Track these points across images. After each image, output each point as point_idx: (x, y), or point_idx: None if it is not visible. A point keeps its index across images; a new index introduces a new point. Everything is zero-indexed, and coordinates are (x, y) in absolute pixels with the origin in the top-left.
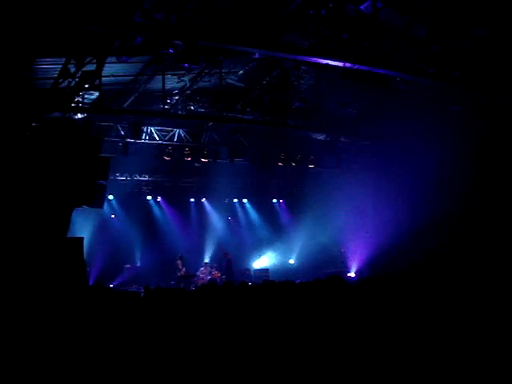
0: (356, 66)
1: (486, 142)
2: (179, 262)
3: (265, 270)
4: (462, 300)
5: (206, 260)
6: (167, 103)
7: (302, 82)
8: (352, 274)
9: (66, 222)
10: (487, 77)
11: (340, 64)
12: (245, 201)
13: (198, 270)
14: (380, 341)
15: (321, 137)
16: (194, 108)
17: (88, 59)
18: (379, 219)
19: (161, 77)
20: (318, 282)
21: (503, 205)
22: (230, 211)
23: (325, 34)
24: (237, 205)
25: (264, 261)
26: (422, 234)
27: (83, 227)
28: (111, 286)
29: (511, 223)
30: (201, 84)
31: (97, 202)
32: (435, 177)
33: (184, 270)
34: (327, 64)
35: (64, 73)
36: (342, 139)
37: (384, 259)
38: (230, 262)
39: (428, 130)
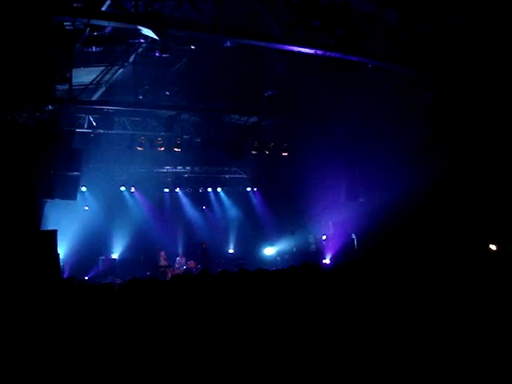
0: (327, 54)
1: (459, 130)
2: (162, 253)
3: (240, 259)
4: (435, 283)
5: (182, 250)
6: (139, 93)
7: (274, 70)
8: (327, 261)
9: (39, 215)
10: (459, 62)
11: (311, 51)
12: (219, 190)
13: (174, 260)
14: (355, 325)
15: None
16: (167, 97)
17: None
18: (353, 206)
19: (131, 67)
20: (292, 269)
21: (477, 189)
22: (204, 201)
23: (296, 21)
24: (211, 194)
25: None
26: (397, 219)
27: (56, 220)
28: (86, 278)
29: (484, 206)
30: (172, 73)
31: (70, 193)
32: (408, 162)
33: (166, 261)
34: (299, 51)
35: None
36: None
37: (359, 245)
38: (206, 251)
39: (400, 117)
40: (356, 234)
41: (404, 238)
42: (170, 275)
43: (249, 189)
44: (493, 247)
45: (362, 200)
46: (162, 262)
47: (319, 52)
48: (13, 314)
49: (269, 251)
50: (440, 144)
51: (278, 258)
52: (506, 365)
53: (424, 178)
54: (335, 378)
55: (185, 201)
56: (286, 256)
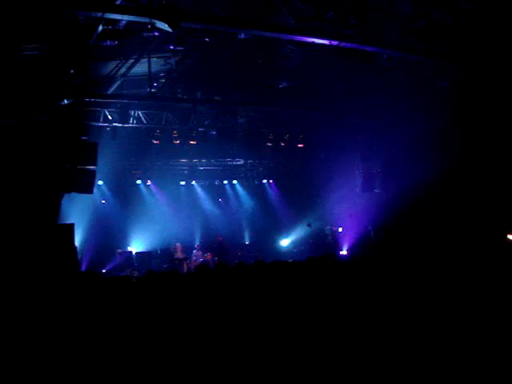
0: (342, 44)
1: (473, 117)
2: (178, 245)
3: (256, 251)
4: (451, 275)
5: (198, 242)
6: (154, 87)
7: (288, 61)
8: (344, 252)
9: (56, 209)
10: (474, 52)
11: (326, 42)
12: (235, 182)
13: (191, 252)
14: (373, 316)
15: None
16: (181, 90)
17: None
18: (370, 196)
19: (146, 60)
20: (310, 260)
21: (495, 178)
22: (220, 193)
23: (310, 12)
24: (227, 186)
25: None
26: (413, 209)
27: (74, 213)
28: (103, 271)
29: (503, 195)
30: (187, 66)
31: (86, 187)
32: (424, 151)
33: (183, 253)
34: (313, 42)
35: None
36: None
37: (375, 237)
38: (222, 244)
39: (415, 105)
40: (372, 225)
41: (421, 229)
42: (186, 268)
43: (265, 181)
44: (511, 237)
45: (377, 191)
46: (179, 255)
47: (334, 43)
48: (33, 307)
49: (285, 242)
50: (456, 132)
51: (295, 250)
52: None
53: (441, 167)
54: (349, 366)
55: (201, 193)
56: (303, 247)
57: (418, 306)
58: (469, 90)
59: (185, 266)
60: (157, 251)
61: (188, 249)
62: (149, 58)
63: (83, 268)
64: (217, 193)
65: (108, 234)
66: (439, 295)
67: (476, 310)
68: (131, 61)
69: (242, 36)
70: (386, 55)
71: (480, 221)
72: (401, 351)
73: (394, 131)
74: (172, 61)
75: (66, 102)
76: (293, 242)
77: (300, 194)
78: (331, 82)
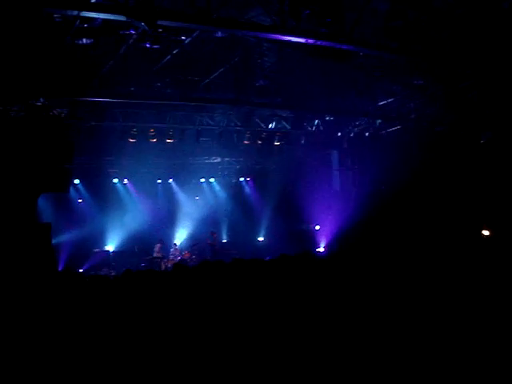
0: (318, 42)
1: (449, 113)
2: (159, 245)
3: (233, 249)
4: (429, 270)
5: (176, 241)
6: (131, 84)
7: (265, 59)
8: (321, 249)
9: (32, 208)
10: (448, 50)
11: (302, 40)
12: (212, 180)
13: (168, 251)
14: (350, 312)
15: (285, 114)
16: (158, 88)
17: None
18: (347, 194)
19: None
20: (287, 257)
21: (466, 175)
22: (197, 191)
23: (287, 10)
24: (205, 184)
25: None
26: (391, 206)
27: (50, 212)
28: (80, 270)
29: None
30: (164, 64)
31: (62, 186)
32: (399, 151)
33: (161, 252)
34: (289, 41)
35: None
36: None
37: (352, 234)
38: (216, 240)
39: (391, 103)
40: (350, 222)
41: (398, 225)
42: (163, 266)
43: (242, 179)
44: (485, 233)
45: (355, 188)
46: (156, 254)
47: (310, 41)
48: (10, 306)
49: (262, 239)
50: (432, 130)
51: (273, 247)
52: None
53: (417, 164)
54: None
55: (178, 191)
56: (279, 246)
57: (396, 301)
58: (445, 89)
59: (162, 264)
60: (134, 250)
61: (167, 247)
62: (125, 55)
63: (60, 267)
64: (194, 191)
65: (85, 233)
66: (418, 289)
67: (454, 303)
68: (108, 58)
69: (219, 34)
70: (363, 53)
71: (457, 218)
72: (379, 347)
73: (370, 129)
74: (149, 59)
75: (41, 100)
76: (269, 239)
77: (277, 191)
78: (308, 80)
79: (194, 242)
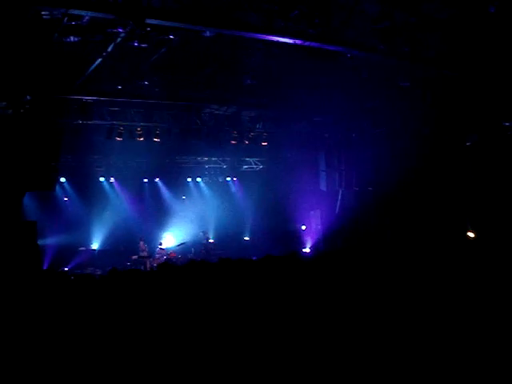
0: (306, 43)
1: (435, 116)
2: (141, 243)
3: (220, 249)
4: (415, 271)
5: (162, 241)
6: (118, 83)
7: (253, 59)
8: (307, 250)
9: (18, 206)
10: (436, 52)
11: (290, 41)
12: (199, 180)
13: (154, 250)
14: (337, 313)
15: (272, 114)
16: (146, 87)
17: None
18: (332, 195)
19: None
20: (273, 258)
21: (451, 177)
22: (184, 190)
23: (275, 10)
24: (191, 184)
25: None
26: (377, 207)
27: (36, 211)
28: (66, 269)
29: (463, 195)
30: (152, 62)
31: (48, 184)
32: (385, 152)
33: (146, 251)
34: (277, 41)
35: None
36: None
37: (338, 235)
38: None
39: (378, 105)
40: (336, 223)
41: (384, 226)
42: (148, 265)
43: (228, 178)
44: (471, 235)
45: (341, 189)
46: (142, 253)
47: (298, 42)
48: None
49: (248, 239)
50: (418, 132)
51: (260, 246)
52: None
53: (404, 166)
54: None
55: (164, 191)
56: (266, 245)
57: (382, 302)
58: (431, 91)
59: (148, 264)
60: (120, 249)
61: (153, 245)
62: (113, 54)
63: (45, 266)
64: (180, 190)
65: (70, 232)
66: (404, 290)
67: (441, 303)
68: (95, 57)
69: (208, 34)
70: (350, 54)
71: (443, 219)
72: (364, 348)
73: (356, 130)
74: (136, 57)
75: (28, 97)
76: (255, 239)
77: (264, 191)
78: (296, 81)
79: (180, 241)
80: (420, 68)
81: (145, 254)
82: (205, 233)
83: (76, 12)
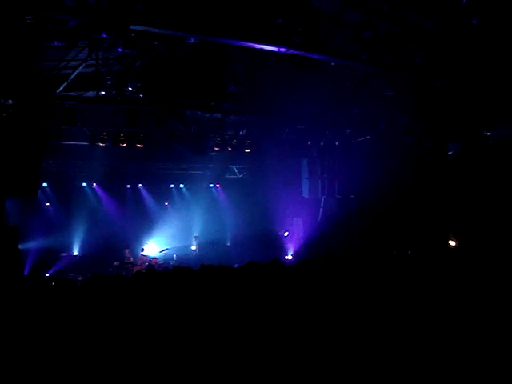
0: (290, 51)
1: (418, 125)
2: (127, 251)
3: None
4: (397, 278)
5: (144, 247)
6: (101, 88)
7: (237, 66)
8: (289, 257)
9: (0, 212)
10: (418, 62)
11: (275, 49)
12: (181, 186)
13: (137, 256)
14: (319, 321)
15: (256, 121)
16: (130, 92)
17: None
18: (315, 203)
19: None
20: (256, 265)
21: (433, 185)
22: (167, 196)
23: (260, 18)
24: (173, 190)
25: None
26: (360, 215)
27: (17, 216)
28: (47, 275)
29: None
30: (136, 68)
31: (30, 189)
32: (367, 160)
33: (128, 257)
34: (262, 49)
35: None
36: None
37: (320, 242)
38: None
39: (361, 113)
40: (318, 230)
41: (365, 234)
42: (131, 272)
43: (211, 185)
44: (452, 243)
45: (324, 196)
46: (127, 259)
47: (282, 49)
48: None
49: (229, 245)
50: (401, 140)
51: (241, 253)
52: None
53: (386, 174)
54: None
55: (147, 197)
56: (248, 251)
57: (364, 311)
58: (415, 100)
59: (130, 270)
60: (102, 255)
61: (136, 252)
62: (97, 59)
63: (26, 271)
64: (163, 196)
65: (52, 237)
66: (385, 296)
67: (422, 308)
68: (79, 62)
69: (192, 40)
70: (334, 63)
71: (424, 228)
72: (346, 356)
73: (340, 138)
74: (120, 63)
75: (10, 101)
76: (237, 246)
77: (247, 198)
78: (279, 88)
79: (162, 248)
80: (403, 77)
81: (130, 260)
82: (197, 238)
83: (59, 17)
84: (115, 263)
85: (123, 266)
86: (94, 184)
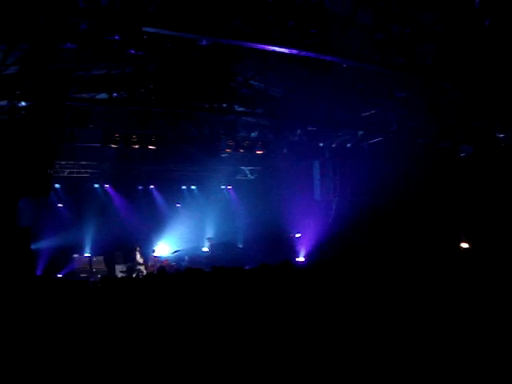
0: (302, 53)
1: (430, 126)
2: (137, 253)
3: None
4: (409, 281)
5: (155, 248)
6: (114, 90)
7: (249, 68)
8: (301, 259)
9: (13, 213)
10: (431, 63)
11: (286, 51)
12: (193, 187)
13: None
14: (333, 323)
15: (267, 123)
16: (141, 94)
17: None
18: (327, 205)
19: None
20: (267, 267)
21: (446, 187)
22: (178, 198)
23: (271, 20)
24: (185, 191)
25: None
26: (371, 217)
27: (30, 217)
28: (59, 276)
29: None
30: (148, 70)
31: (43, 191)
32: (380, 162)
33: (142, 259)
34: (273, 51)
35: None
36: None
37: (332, 244)
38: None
39: (373, 115)
40: (330, 232)
41: (378, 236)
42: (142, 273)
43: (223, 187)
44: (464, 245)
45: (336, 198)
46: (138, 261)
47: (294, 51)
48: None
49: (241, 247)
50: (413, 142)
51: (253, 254)
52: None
53: (399, 176)
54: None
55: (158, 198)
56: (259, 253)
57: (376, 313)
58: (427, 101)
59: (141, 271)
60: (114, 256)
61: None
62: (109, 61)
63: (38, 272)
64: (175, 198)
65: (64, 238)
66: (398, 299)
67: (434, 310)
68: (91, 64)
69: (204, 42)
70: (346, 65)
71: (437, 230)
72: (356, 359)
73: (352, 140)
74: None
75: (23, 103)
76: (248, 247)
77: (258, 199)
78: (291, 90)
79: (174, 249)
80: (415, 79)
81: (141, 261)
82: (210, 239)
83: (73, 19)
84: (127, 264)
85: (136, 267)
86: (106, 185)
